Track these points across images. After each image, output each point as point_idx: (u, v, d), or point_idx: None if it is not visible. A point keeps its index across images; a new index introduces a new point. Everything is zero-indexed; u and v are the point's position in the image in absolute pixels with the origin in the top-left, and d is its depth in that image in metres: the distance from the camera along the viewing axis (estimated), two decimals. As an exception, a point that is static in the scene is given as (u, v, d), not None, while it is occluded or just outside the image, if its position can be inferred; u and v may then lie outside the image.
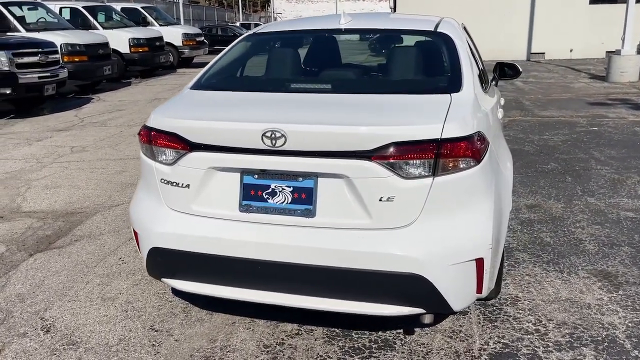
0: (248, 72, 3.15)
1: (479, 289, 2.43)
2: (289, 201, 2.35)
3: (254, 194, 2.38)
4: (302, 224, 2.34)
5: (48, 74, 9.93)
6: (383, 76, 3.04)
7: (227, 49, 3.30)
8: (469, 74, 2.78)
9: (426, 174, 2.24)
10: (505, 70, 4.72)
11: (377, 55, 3.19)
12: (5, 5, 11.42)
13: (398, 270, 2.25)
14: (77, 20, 13.89)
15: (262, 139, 2.28)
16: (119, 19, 15.22)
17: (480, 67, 3.80)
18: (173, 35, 17.00)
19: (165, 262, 2.56)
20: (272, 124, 2.27)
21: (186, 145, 2.41)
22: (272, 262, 2.33)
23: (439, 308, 2.36)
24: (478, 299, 2.85)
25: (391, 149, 2.20)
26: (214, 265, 2.44)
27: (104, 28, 14.48)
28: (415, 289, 2.29)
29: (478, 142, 2.36)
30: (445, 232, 2.29)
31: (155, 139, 2.51)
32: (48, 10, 12.65)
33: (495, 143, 2.79)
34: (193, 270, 2.52)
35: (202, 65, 18.86)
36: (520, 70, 4.73)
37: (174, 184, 2.48)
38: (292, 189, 2.34)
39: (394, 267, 2.24)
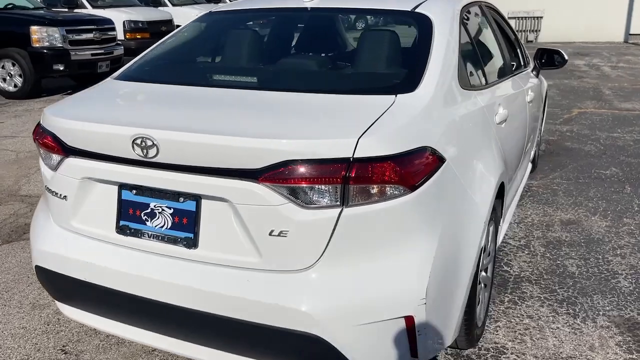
0: (189, 59, 2.66)
1: (414, 354, 1.85)
2: (169, 226, 1.87)
3: (132, 214, 1.93)
4: (182, 256, 1.86)
5: (102, 51, 9.96)
6: (329, 69, 2.45)
7: (176, 30, 2.84)
8: (436, 68, 2.16)
9: (332, 203, 1.69)
10: (549, 58, 3.96)
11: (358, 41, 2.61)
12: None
13: (289, 327, 1.72)
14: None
15: (133, 147, 1.82)
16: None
17: (500, 51, 3.11)
18: (187, 16, 16.46)
19: (48, 284, 2.18)
20: (140, 129, 1.80)
21: (61, 149, 2.00)
22: (148, 300, 1.88)
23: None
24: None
25: (285, 170, 1.67)
26: (90, 295, 2.03)
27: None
28: (313, 353, 1.75)
29: (415, 163, 1.76)
30: (357, 280, 1.73)
31: (39, 139, 2.11)
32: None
33: (473, 159, 2.16)
34: (73, 296, 2.13)
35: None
36: (566, 58, 3.95)
37: (54, 193, 2.08)
38: (172, 210, 1.86)
39: (284, 322, 1.72)
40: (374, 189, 1.70)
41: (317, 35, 2.68)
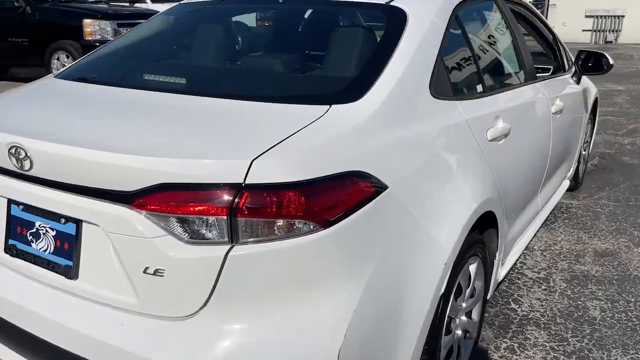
0: (137, 55, 2.37)
1: None
2: (51, 250, 1.61)
3: (19, 232, 1.68)
4: (61, 287, 1.59)
5: (152, 44, 10.03)
6: (271, 72, 2.08)
7: (144, 22, 2.58)
8: (394, 73, 1.77)
9: (218, 239, 1.36)
10: (592, 62, 3.44)
11: (306, 39, 2.22)
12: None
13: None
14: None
15: (10, 157, 1.57)
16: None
17: (516, 54, 2.66)
18: None
19: None
20: (14, 137, 1.54)
21: None
22: (30, 335, 1.62)
23: None
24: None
25: (160, 195, 1.36)
26: None
27: None
28: None
29: (333, 192, 1.40)
30: (250, 336, 1.40)
31: None
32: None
33: (436, 184, 1.76)
34: None
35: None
36: (611, 63, 3.41)
37: None
38: (55, 233, 1.59)
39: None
40: (272, 224, 1.36)
41: (279, 33, 2.34)
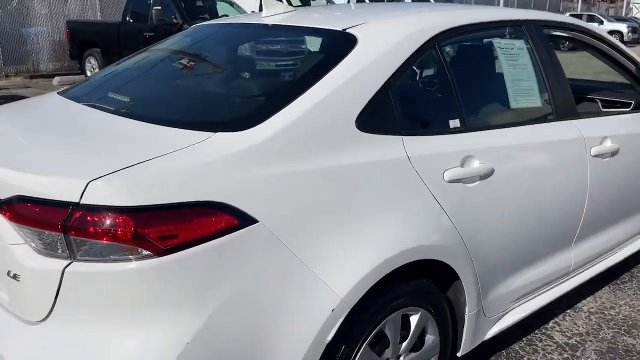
0: (128, 75, 2.44)
1: None
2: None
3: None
4: None
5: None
6: (192, 96, 2.03)
7: (160, 42, 2.75)
8: (307, 102, 1.69)
9: (60, 253, 1.44)
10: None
11: (239, 66, 2.14)
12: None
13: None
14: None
15: None
16: None
17: (538, 87, 2.39)
18: None
19: None
20: None
21: None
22: None
23: None
24: None
25: (17, 206, 1.47)
26: None
27: None
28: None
29: (173, 220, 1.40)
30: (83, 353, 1.44)
31: None
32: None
33: (339, 222, 1.65)
34: None
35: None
36: None
37: None
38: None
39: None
40: (105, 246, 1.39)
41: (220, 59, 2.29)
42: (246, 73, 2.14)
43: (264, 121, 1.64)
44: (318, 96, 1.73)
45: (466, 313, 2.13)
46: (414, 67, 2.01)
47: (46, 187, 1.43)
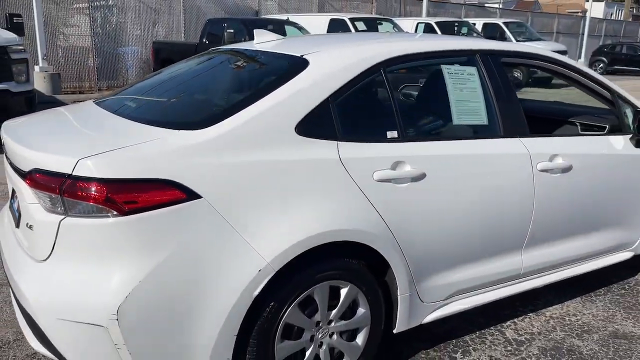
0: (143, 90, 3.01)
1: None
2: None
3: None
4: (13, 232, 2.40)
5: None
6: (176, 103, 2.56)
7: (186, 60, 3.35)
8: (254, 111, 2.19)
9: (57, 210, 2.01)
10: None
11: (216, 81, 2.69)
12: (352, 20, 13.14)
13: (23, 304, 2.11)
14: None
15: None
16: (465, 34, 15.39)
17: (486, 108, 2.77)
18: None
19: None
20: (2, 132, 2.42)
21: None
22: None
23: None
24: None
25: (35, 175, 2.07)
26: None
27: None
28: (36, 329, 2.09)
29: (134, 190, 1.94)
30: (70, 282, 2.00)
31: None
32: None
33: (272, 207, 2.13)
34: None
35: (562, 86, 17.25)
36: None
37: None
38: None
39: (22, 300, 2.11)
40: (88, 205, 1.95)
41: (204, 77, 2.82)
42: (220, 87, 2.67)
43: (217, 123, 2.16)
44: (265, 105, 2.23)
45: (398, 295, 2.52)
46: (357, 86, 2.46)
47: (52, 163, 2.02)
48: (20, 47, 7.15)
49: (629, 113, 3.33)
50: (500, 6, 43.37)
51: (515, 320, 3.19)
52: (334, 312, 2.39)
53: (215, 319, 2.07)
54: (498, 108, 2.81)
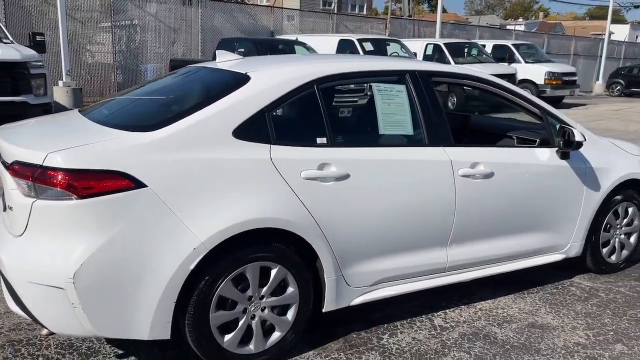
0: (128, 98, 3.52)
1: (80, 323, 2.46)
2: None
3: None
4: None
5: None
6: (147, 111, 3.05)
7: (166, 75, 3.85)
8: (196, 118, 2.65)
9: (31, 194, 2.49)
10: (566, 136, 3.59)
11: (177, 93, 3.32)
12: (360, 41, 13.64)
13: (3, 273, 2.58)
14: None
15: None
16: (475, 55, 15.78)
17: (412, 121, 3.20)
18: (535, 72, 16.44)
19: None
20: None
21: None
22: None
23: (35, 321, 2.54)
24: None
25: (15, 166, 2.55)
26: None
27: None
28: (13, 294, 2.56)
29: (88, 178, 2.41)
30: (39, 251, 2.47)
31: None
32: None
33: (211, 197, 2.57)
34: None
35: (574, 106, 17.45)
36: (576, 138, 3.51)
37: None
38: None
39: (2, 269, 2.58)
40: (54, 190, 2.43)
41: (173, 89, 3.35)
42: (178, 96, 3.15)
43: (165, 127, 2.62)
44: (207, 113, 2.69)
45: (325, 278, 2.93)
46: (291, 99, 2.91)
47: (28, 156, 2.50)
48: (40, 63, 7.80)
49: (555, 128, 3.70)
50: (524, 28, 43.69)
51: (447, 310, 3.57)
52: (264, 289, 2.81)
53: (157, 287, 2.51)
54: (424, 121, 3.23)
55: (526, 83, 16.43)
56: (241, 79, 2.92)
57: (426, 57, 15.46)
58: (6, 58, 7.36)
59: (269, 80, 2.91)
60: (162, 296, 2.53)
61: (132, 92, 3.48)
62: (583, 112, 16.62)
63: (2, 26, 8.63)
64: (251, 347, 2.82)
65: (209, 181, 2.61)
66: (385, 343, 3.14)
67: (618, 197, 4.06)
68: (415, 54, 14.75)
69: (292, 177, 2.78)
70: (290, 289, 2.88)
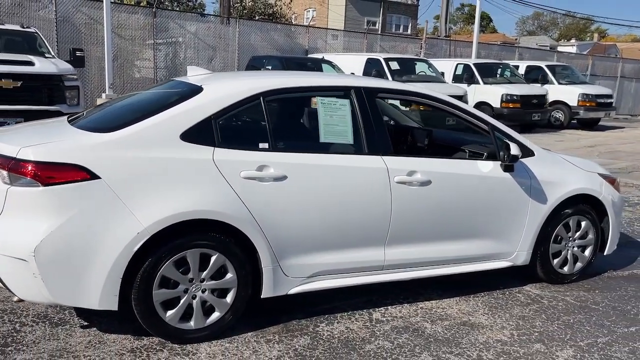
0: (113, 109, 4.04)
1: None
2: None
3: None
4: None
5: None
6: (121, 116, 3.52)
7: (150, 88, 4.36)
8: (148, 122, 3.12)
9: (7, 182, 3.00)
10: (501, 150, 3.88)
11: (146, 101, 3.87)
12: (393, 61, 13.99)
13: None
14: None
15: None
16: (509, 75, 15.85)
17: (352, 132, 3.58)
18: (568, 94, 16.30)
19: None
20: None
21: None
22: None
23: (7, 288, 3.04)
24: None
25: (-1, 159, 3.08)
26: None
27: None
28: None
29: (50, 169, 2.90)
30: (11, 228, 2.97)
31: None
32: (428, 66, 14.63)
33: (148, 189, 3.01)
34: None
35: (610, 128, 17.16)
36: (512, 152, 3.79)
37: None
38: None
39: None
40: (24, 179, 2.93)
41: (149, 96, 3.83)
42: (144, 104, 3.63)
43: (122, 129, 3.10)
44: (159, 118, 3.15)
45: (262, 267, 3.32)
46: (237, 109, 3.34)
47: (7, 150, 3.02)
48: (74, 76, 8.55)
49: (499, 143, 3.97)
50: (575, 50, 42.87)
51: (389, 307, 3.87)
52: (204, 273, 3.22)
53: (105, 264, 2.97)
54: (364, 132, 3.59)
55: (558, 104, 16.34)
56: (195, 90, 3.38)
57: (456, 77, 15.66)
58: (44, 71, 8.14)
59: (218, 92, 3.35)
60: (109, 272, 2.97)
61: (117, 101, 4.01)
62: (616, 135, 16.35)
63: (45, 42, 9.48)
64: (191, 323, 3.23)
65: (155, 176, 3.06)
66: (320, 330, 3.48)
67: (568, 211, 4.27)
68: (443, 74, 14.97)
69: (232, 176, 3.20)
70: (229, 275, 3.28)
